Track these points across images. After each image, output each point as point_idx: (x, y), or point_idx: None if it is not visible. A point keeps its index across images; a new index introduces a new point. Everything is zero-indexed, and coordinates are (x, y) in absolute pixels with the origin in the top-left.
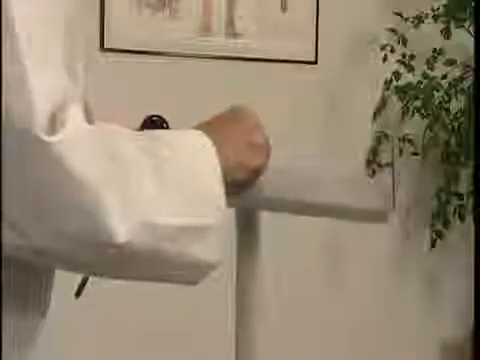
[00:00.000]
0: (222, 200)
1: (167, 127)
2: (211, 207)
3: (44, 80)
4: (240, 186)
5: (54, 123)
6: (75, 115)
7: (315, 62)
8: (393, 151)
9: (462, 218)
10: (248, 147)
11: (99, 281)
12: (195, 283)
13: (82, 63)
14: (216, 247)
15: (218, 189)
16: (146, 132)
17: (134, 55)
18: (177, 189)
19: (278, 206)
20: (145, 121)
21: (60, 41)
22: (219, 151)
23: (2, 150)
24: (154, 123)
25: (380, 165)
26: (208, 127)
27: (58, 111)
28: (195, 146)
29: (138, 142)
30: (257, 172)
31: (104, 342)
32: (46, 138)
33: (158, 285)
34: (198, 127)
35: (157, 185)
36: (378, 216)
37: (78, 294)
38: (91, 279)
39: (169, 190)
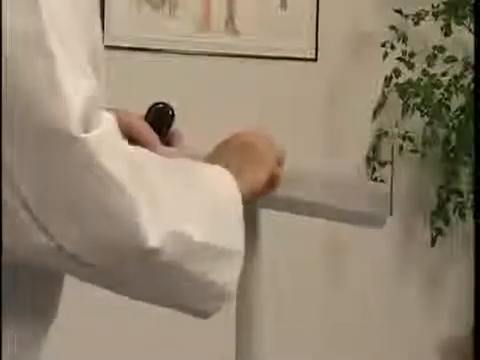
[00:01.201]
0: (242, 231)
1: (173, 114)
2: (234, 234)
3: (76, 78)
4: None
5: (88, 121)
6: (108, 116)
7: (315, 59)
8: (393, 150)
9: (462, 215)
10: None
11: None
12: (206, 314)
13: (103, 64)
14: (236, 274)
15: (239, 218)
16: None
17: (133, 52)
18: (203, 210)
19: (277, 205)
20: (151, 108)
21: (87, 40)
22: (237, 180)
23: (34, 148)
24: (160, 110)
25: (380, 163)
26: (222, 158)
27: (91, 110)
28: (217, 175)
29: (165, 160)
30: (271, 184)
31: (103, 341)
32: (80, 135)
33: None
34: (213, 156)
35: (188, 201)
36: (374, 221)
37: None
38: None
39: (196, 209)
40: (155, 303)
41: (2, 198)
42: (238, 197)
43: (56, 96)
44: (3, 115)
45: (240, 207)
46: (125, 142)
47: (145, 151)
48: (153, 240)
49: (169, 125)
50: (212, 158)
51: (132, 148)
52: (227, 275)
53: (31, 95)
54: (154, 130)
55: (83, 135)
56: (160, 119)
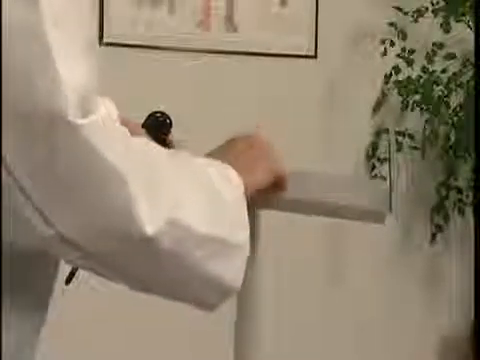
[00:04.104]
0: (247, 226)
1: (170, 123)
2: (237, 229)
3: (72, 65)
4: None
5: (84, 107)
6: (107, 104)
7: (315, 56)
8: (389, 147)
9: (462, 212)
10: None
11: (97, 277)
12: (211, 307)
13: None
14: (239, 270)
15: (243, 214)
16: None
17: (133, 50)
18: (207, 200)
19: (277, 206)
20: (148, 117)
21: (84, 29)
22: (240, 177)
23: (30, 134)
24: (157, 119)
25: (379, 159)
26: (226, 156)
27: (87, 96)
28: (220, 170)
29: (166, 150)
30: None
31: (102, 339)
32: (76, 120)
33: None
34: (218, 153)
35: (187, 190)
36: (375, 217)
37: (68, 281)
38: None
39: (199, 199)
40: (157, 294)
41: (2, 189)
42: (241, 194)
43: (51, 82)
44: (2, 109)
45: (244, 204)
46: (123, 128)
47: (145, 140)
48: (150, 227)
49: (166, 133)
50: (215, 155)
51: (134, 137)
52: (230, 269)
53: (27, 82)
54: (151, 138)
55: (79, 121)
56: (157, 128)
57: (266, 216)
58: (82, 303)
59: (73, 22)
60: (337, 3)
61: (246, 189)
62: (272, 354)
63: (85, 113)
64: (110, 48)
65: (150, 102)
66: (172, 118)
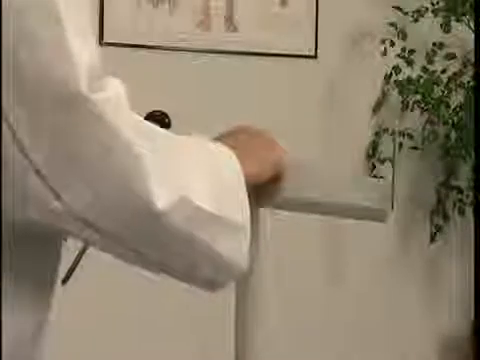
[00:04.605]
0: (248, 210)
1: (169, 122)
2: (240, 211)
3: (83, 43)
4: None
5: (95, 83)
6: (117, 81)
7: (315, 56)
8: (394, 148)
9: (462, 212)
10: (267, 163)
11: (98, 272)
12: (218, 286)
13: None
14: (245, 251)
15: (244, 198)
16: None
17: (133, 49)
18: (211, 181)
19: (280, 205)
20: (147, 116)
21: (89, 9)
22: (242, 164)
23: (43, 110)
24: (155, 118)
25: (379, 160)
26: (230, 143)
27: (98, 73)
28: (223, 154)
29: (171, 134)
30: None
31: (102, 336)
32: (89, 94)
33: (158, 281)
34: (219, 140)
35: (195, 170)
36: (377, 215)
37: (65, 281)
38: (89, 271)
39: (205, 179)
40: (165, 272)
41: (5, 163)
42: (242, 178)
43: (66, 59)
44: (14, 81)
45: (243, 187)
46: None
47: (151, 124)
48: (161, 202)
49: None
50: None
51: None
52: (237, 250)
53: (42, 59)
54: None
55: (93, 95)
56: None
57: (266, 216)
58: (81, 293)
59: (80, 13)
60: (337, 3)
61: (246, 176)
62: (272, 354)
63: (97, 89)
64: (110, 48)
65: (150, 102)
66: (172, 118)
